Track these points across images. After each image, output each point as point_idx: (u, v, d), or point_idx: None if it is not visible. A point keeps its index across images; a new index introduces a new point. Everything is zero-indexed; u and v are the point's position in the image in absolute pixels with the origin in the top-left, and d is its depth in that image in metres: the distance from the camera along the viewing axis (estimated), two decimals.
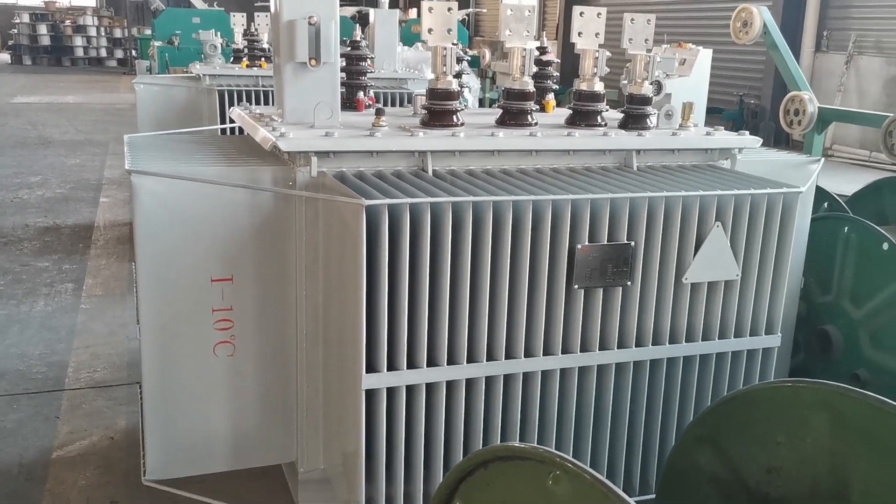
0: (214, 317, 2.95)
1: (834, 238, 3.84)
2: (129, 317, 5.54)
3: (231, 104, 6.48)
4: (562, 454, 1.56)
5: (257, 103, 6.41)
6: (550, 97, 3.99)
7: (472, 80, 11.06)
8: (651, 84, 3.40)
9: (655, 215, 2.82)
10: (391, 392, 2.65)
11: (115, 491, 3.55)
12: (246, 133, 3.45)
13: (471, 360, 2.73)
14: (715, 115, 14.85)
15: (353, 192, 2.57)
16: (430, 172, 2.96)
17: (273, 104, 6.21)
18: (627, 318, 2.88)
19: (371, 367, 2.62)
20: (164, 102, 7.06)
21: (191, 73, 7.03)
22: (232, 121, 3.85)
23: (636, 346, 2.91)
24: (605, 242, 2.77)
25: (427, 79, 8.41)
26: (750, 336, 3.06)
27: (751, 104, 15.75)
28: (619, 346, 2.89)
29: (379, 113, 3.09)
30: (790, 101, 7.81)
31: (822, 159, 3.67)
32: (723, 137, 3.31)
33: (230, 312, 2.96)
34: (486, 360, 2.74)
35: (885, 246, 3.63)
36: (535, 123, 3.25)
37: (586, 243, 2.74)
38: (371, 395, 2.63)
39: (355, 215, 2.53)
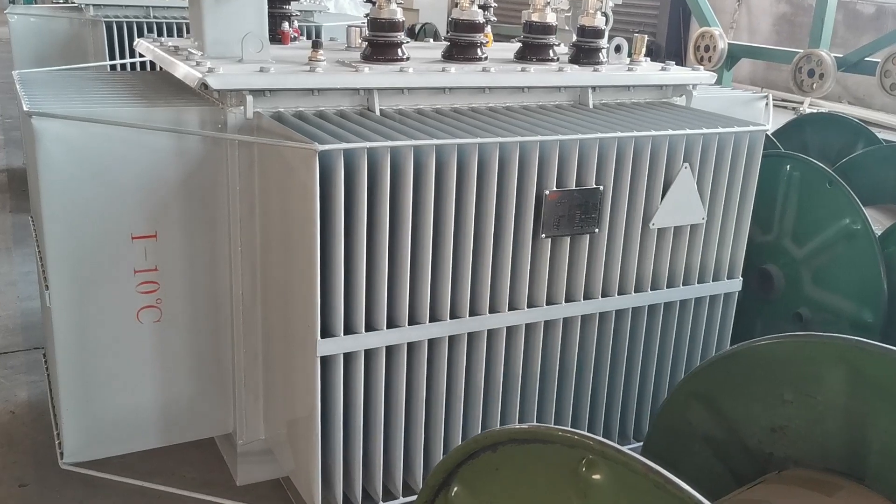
0: (137, 279, 2.61)
1: (776, 176, 3.78)
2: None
3: (119, 38, 5.89)
4: (599, 438, 1.36)
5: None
6: (488, 29, 3.71)
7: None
8: (602, 14, 3.19)
9: (624, 157, 2.64)
10: (348, 357, 2.41)
11: (22, 472, 3.17)
12: (159, 69, 3.04)
13: (434, 318, 2.50)
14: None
15: (301, 135, 2.26)
16: (378, 112, 2.67)
17: (179, 36, 5.71)
18: (594, 268, 2.72)
19: (326, 332, 2.36)
20: (43, 36, 6.37)
21: (72, 1, 6.35)
22: (138, 55, 3.41)
23: (602, 297, 2.75)
24: (574, 187, 2.57)
25: (332, 12, 7.95)
26: (713, 281, 2.95)
27: (648, 41, 15.83)
28: (586, 298, 2.72)
29: (316, 45, 2.76)
30: (701, 37, 7.80)
31: (770, 95, 3.58)
32: (680, 73, 3.15)
33: (155, 273, 2.62)
34: (450, 319, 2.52)
35: (830, 184, 3.59)
36: (486, 58, 2.99)
37: (554, 189, 2.54)
38: (326, 361, 2.38)
39: (306, 162, 2.23)
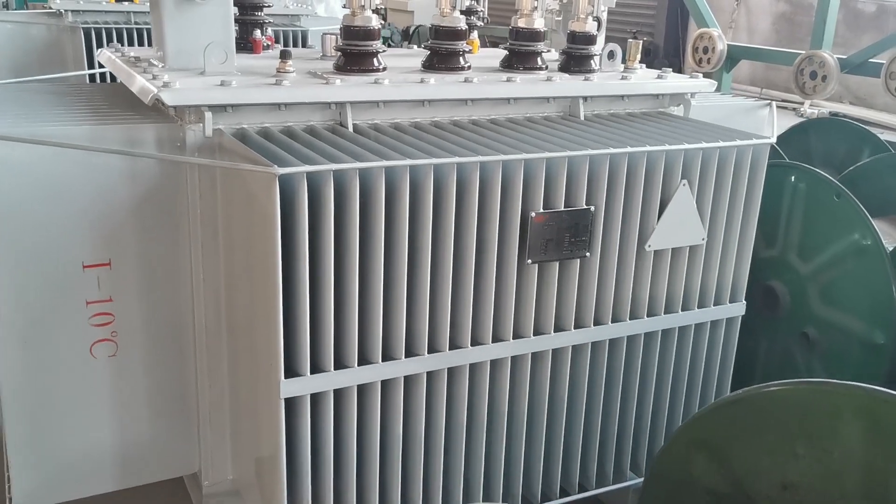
0: (90, 310, 2.40)
1: (780, 188, 3.57)
2: None
3: (100, 45, 5.68)
4: None
5: (131, 44, 5.64)
6: (475, 35, 3.51)
7: None
8: (594, 19, 2.98)
9: (617, 175, 2.43)
10: (316, 398, 2.20)
11: None
12: (120, 81, 2.84)
13: (410, 353, 2.30)
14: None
15: (260, 156, 2.06)
16: (351, 128, 2.47)
17: (151, 45, 5.50)
18: (585, 295, 2.51)
19: (291, 371, 2.16)
20: (20, 43, 6.14)
21: (51, 7, 6.14)
22: (101, 66, 3.21)
23: (595, 325, 2.54)
24: (563, 208, 2.37)
25: (322, 16, 7.74)
26: (714, 306, 2.75)
27: (644, 41, 15.64)
28: (577, 327, 2.52)
29: (285, 56, 2.55)
30: (699, 38, 7.60)
31: (773, 103, 3.37)
32: (677, 81, 2.94)
33: (109, 304, 2.42)
34: (428, 353, 2.31)
35: (837, 196, 3.39)
36: (469, 66, 2.78)
37: (541, 210, 2.33)
38: (292, 403, 2.17)
39: (266, 186, 2.03)
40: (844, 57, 6.52)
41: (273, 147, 2.19)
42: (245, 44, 3.12)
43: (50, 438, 2.45)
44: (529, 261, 2.36)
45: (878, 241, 3.25)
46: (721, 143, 2.55)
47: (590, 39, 2.94)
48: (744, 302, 2.82)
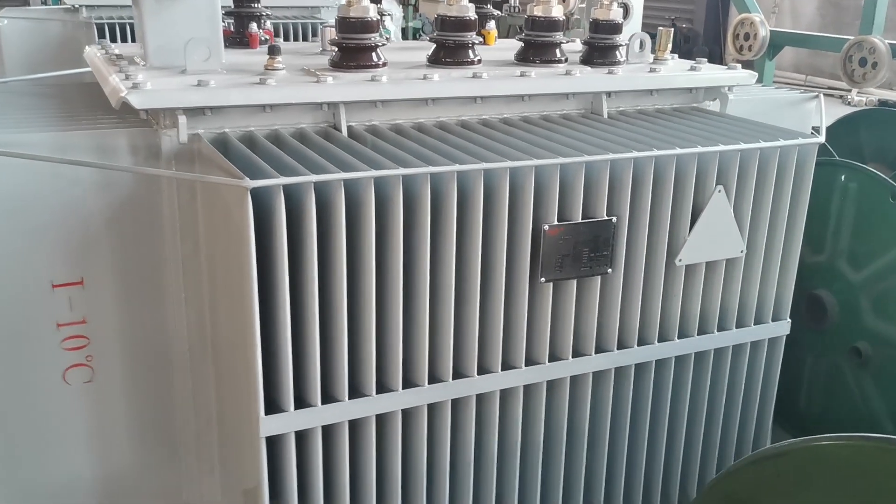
0: (61, 333, 2.19)
1: (828, 188, 3.25)
2: None
3: (112, 41, 5.50)
4: None
5: None
6: (491, 25, 3.24)
7: (392, 6, 10.12)
8: (619, 6, 2.70)
9: (643, 181, 2.16)
10: (302, 436, 1.97)
11: None
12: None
13: (408, 384, 2.05)
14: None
15: (235, 166, 1.82)
16: (345, 131, 2.22)
17: None
18: (607, 316, 2.24)
19: (273, 405, 1.92)
20: (36, 40, 6.01)
21: (66, 3, 5.98)
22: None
23: (618, 349, 2.27)
24: (580, 220, 2.10)
25: None
26: (755, 325, 2.46)
27: (683, 28, 15.18)
28: (598, 351, 2.25)
29: (273, 52, 2.32)
30: (740, 24, 7.21)
31: (821, 95, 3.05)
32: (712, 73, 2.64)
33: (83, 326, 2.21)
34: (429, 384, 2.06)
35: (893, 198, 3.06)
36: (479, 60, 2.52)
37: (555, 223, 2.07)
38: (274, 442, 1.94)
39: (238, 201, 1.79)
40: None
41: (253, 155, 1.96)
42: (241, 38, 2.90)
43: (23, 472, 2.26)
44: (543, 279, 2.10)
45: None
46: (762, 144, 2.25)
47: (614, 28, 2.66)
48: (788, 320, 2.52)
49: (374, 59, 2.37)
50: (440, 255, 2.01)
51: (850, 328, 3.24)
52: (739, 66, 2.77)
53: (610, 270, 2.16)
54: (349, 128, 2.25)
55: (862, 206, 3.17)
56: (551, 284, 2.12)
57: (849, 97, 12.30)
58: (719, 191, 2.24)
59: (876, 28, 6.38)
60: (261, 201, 1.80)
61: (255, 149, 2.08)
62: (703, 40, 14.67)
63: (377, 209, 1.90)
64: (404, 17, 12.24)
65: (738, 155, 2.24)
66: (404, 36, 11.59)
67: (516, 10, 9.95)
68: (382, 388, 2.03)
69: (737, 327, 2.43)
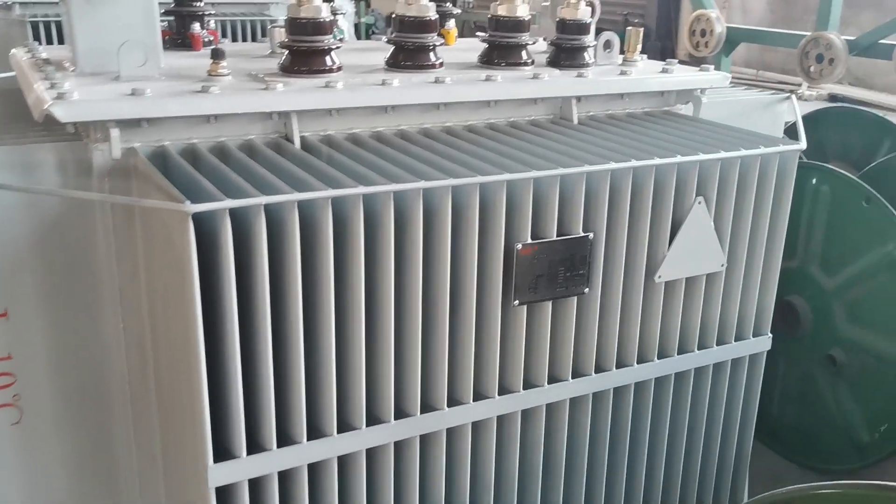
0: None
1: (800, 191, 3.14)
2: None
3: (49, 40, 5.19)
4: None
5: None
6: (451, 24, 3.07)
7: (344, 2, 9.87)
8: (587, 5, 2.55)
9: (620, 193, 2.01)
10: (256, 484, 1.78)
11: None
12: None
13: (373, 420, 1.88)
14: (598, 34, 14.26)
15: (174, 187, 1.63)
16: (297, 143, 2.04)
17: None
18: (584, 339, 2.09)
19: (223, 451, 1.74)
20: None
21: None
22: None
23: (596, 373, 2.13)
24: (555, 237, 1.94)
25: None
26: (736, 341, 2.33)
27: (635, 23, 15.19)
28: (575, 376, 2.10)
29: (217, 56, 2.12)
30: (696, 20, 7.14)
31: (792, 97, 2.95)
32: (685, 76, 2.51)
33: (8, 363, 1.99)
34: (395, 419, 1.89)
35: (867, 201, 2.98)
36: (441, 63, 2.35)
37: (529, 241, 1.91)
38: (225, 492, 1.75)
39: (179, 226, 1.60)
40: (853, 38, 6.09)
41: (195, 172, 1.76)
42: (182, 40, 2.68)
43: None
44: (516, 302, 1.94)
45: None
46: (743, 152, 2.13)
47: (583, 28, 2.51)
48: (769, 335, 2.41)
49: (329, 63, 2.19)
50: (404, 279, 1.84)
51: (824, 335, 3.15)
52: (712, 66, 2.65)
53: (587, 290, 2.02)
54: (302, 139, 2.07)
55: (834, 209, 3.08)
56: (525, 307, 1.96)
57: (799, 91, 12.42)
58: (699, 202, 2.10)
59: (832, 24, 6.36)
60: (205, 225, 1.61)
61: (199, 164, 1.89)
62: (656, 36, 14.68)
63: (335, 230, 1.72)
64: (356, 13, 12.00)
65: (718, 164, 2.11)
66: (356, 33, 11.36)
67: (470, 5, 9.79)
68: (344, 426, 1.85)
69: (717, 345, 2.30)
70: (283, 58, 2.20)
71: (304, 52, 2.15)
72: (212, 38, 2.76)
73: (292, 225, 1.66)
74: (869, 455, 3.04)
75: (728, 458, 2.49)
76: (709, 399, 2.36)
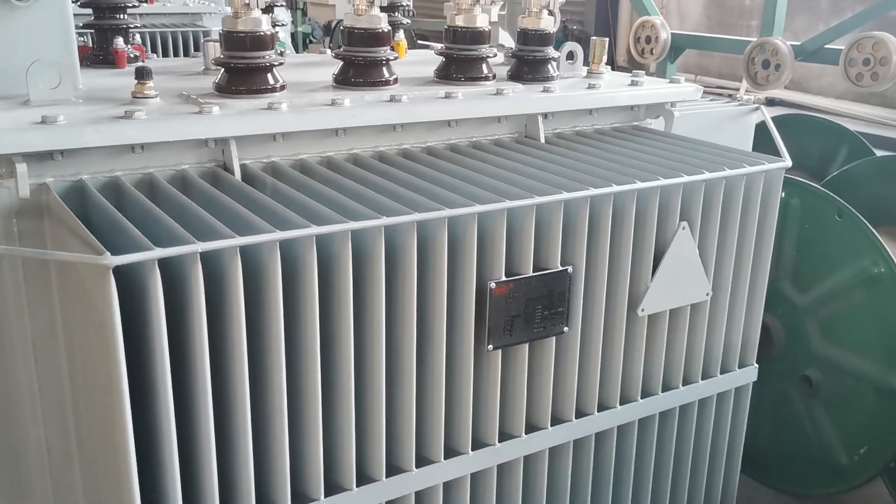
0: None
1: None
2: None
3: None
4: None
5: None
6: (401, 35, 2.86)
7: (281, 12, 9.57)
8: (549, 14, 2.37)
9: (600, 222, 1.83)
10: None
11: None
12: None
13: (332, 489, 1.65)
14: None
15: (88, 234, 1.38)
16: (237, 173, 1.80)
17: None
18: (564, 382, 1.90)
19: None
20: None
21: None
22: None
23: (577, 418, 1.93)
24: (532, 273, 1.75)
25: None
26: (721, 374, 2.17)
27: (574, 30, 15.23)
28: (554, 423, 1.91)
29: (142, 76, 1.87)
30: (641, 27, 7.07)
31: (762, 108, 2.81)
32: (656, 89, 2.35)
33: None
34: (358, 486, 1.67)
35: (839, 215, 2.86)
36: (395, 80, 2.14)
37: (503, 278, 1.71)
38: None
39: (97, 281, 1.35)
40: (798, 44, 6.07)
41: (117, 214, 1.51)
42: (105, 56, 2.42)
43: None
44: (490, 346, 1.73)
45: (893, 267, 2.74)
46: (728, 172, 1.96)
47: (546, 39, 2.33)
48: (755, 365, 2.25)
49: (271, 81, 1.96)
50: (365, 326, 1.62)
51: (798, 355, 3.03)
52: (643, 73, 2.49)
53: (566, 329, 1.82)
54: (243, 167, 1.83)
55: (805, 224, 2.96)
56: (500, 352, 1.76)
57: (738, 95, 12.56)
58: (683, 227, 1.93)
59: (777, 29, 6.33)
60: (129, 277, 1.37)
61: (122, 202, 1.64)
62: None
63: (284, 274, 1.49)
64: (293, 23, 11.68)
65: (702, 185, 1.94)
66: (294, 43, 11.06)
67: (411, 13, 9.61)
68: (299, 497, 1.62)
69: (702, 378, 2.13)
70: (219, 76, 1.96)
71: (243, 70, 1.92)
72: (138, 54, 2.50)
73: (234, 273, 1.43)
74: (849, 479, 2.92)
75: (714, 496, 2.32)
76: (694, 436, 2.19)
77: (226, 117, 1.76)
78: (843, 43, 5.68)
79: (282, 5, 6.50)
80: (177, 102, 1.87)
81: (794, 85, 12.74)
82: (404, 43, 2.84)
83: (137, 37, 2.59)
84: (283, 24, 2.76)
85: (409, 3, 4.03)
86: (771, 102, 12.12)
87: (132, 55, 2.46)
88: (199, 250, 1.36)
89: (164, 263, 1.37)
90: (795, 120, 4.43)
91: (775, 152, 2.81)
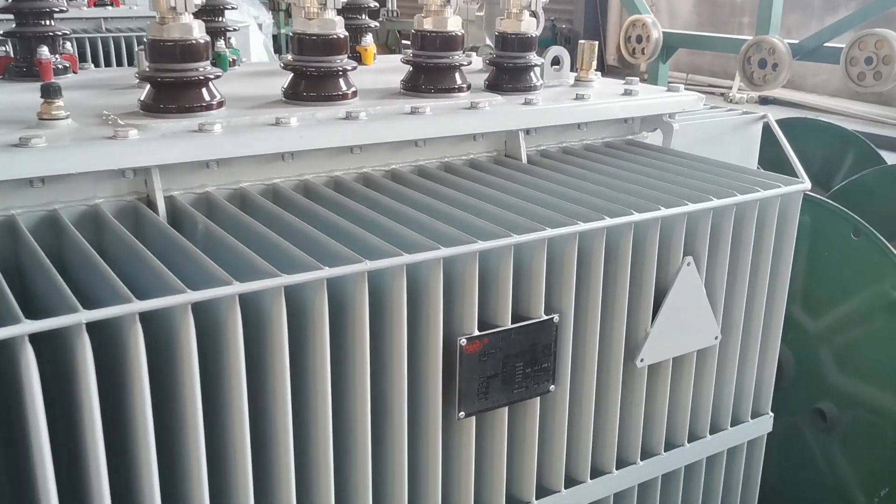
0: None
1: None
2: None
3: None
4: None
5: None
6: (369, 40, 2.58)
7: (261, 12, 9.24)
8: (531, 16, 2.09)
9: (591, 260, 1.55)
10: None
11: None
12: None
13: None
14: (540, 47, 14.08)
15: None
16: (162, 211, 1.52)
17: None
18: (552, 448, 1.62)
19: None
20: None
21: None
22: None
23: (567, 488, 1.66)
24: (510, 325, 1.47)
25: None
26: (732, 427, 1.90)
27: (563, 29, 14.98)
28: (540, 496, 1.63)
29: (50, 94, 1.58)
30: (631, 26, 6.81)
31: (768, 115, 2.54)
32: (652, 98, 2.07)
33: None
34: None
35: (856, 234, 2.59)
36: (354, 93, 1.85)
37: (475, 333, 1.43)
38: None
39: None
40: (796, 42, 5.82)
41: None
42: (29, 67, 2.13)
43: None
44: (461, 413, 1.45)
45: None
46: (739, 198, 1.68)
47: (528, 44, 2.05)
48: (770, 413, 1.98)
49: (206, 97, 1.67)
50: (308, 396, 1.34)
51: (810, 386, 2.76)
52: (638, 72, 2.22)
53: (553, 388, 1.55)
54: (170, 200, 1.55)
55: (819, 243, 2.69)
56: (473, 419, 1.48)
57: (730, 94, 12.29)
58: (688, 264, 1.66)
59: (773, 28, 6.08)
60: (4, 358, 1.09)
61: (18, 246, 1.36)
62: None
63: (203, 332, 1.21)
64: (275, 24, 11.36)
65: (710, 214, 1.66)
66: (276, 45, 10.74)
67: (395, 14, 9.31)
68: None
69: (711, 433, 1.86)
70: (144, 92, 1.68)
71: (171, 85, 1.63)
72: (68, 65, 2.21)
73: (131, 339, 1.14)
74: None
75: None
76: (702, 498, 1.91)
77: (144, 142, 1.48)
78: (843, 41, 5.44)
79: (255, 2, 6.20)
80: (93, 124, 1.59)
81: (788, 83, 12.50)
82: (372, 49, 2.56)
83: (67, 45, 2.30)
84: (235, 29, 2.47)
85: (392, 5, 3.74)
86: (764, 101, 11.87)
87: (60, 66, 2.17)
88: (84, 320, 1.08)
89: (43, 337, 1.09)
90: (795, 124, 4.17)
91: (779, 164, 2.56)
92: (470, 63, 2.00)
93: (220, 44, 2.34)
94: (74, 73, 2.26)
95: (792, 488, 2.88)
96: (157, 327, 1.20)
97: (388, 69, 2.36)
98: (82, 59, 3.54)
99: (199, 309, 1.19)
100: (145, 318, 1.14)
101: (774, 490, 2.91)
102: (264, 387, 1.30)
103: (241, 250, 1.32)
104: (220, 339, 1.23)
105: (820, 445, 2.76)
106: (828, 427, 2.72)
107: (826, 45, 5.71)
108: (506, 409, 1.51)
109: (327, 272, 1.25)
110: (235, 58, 2.43)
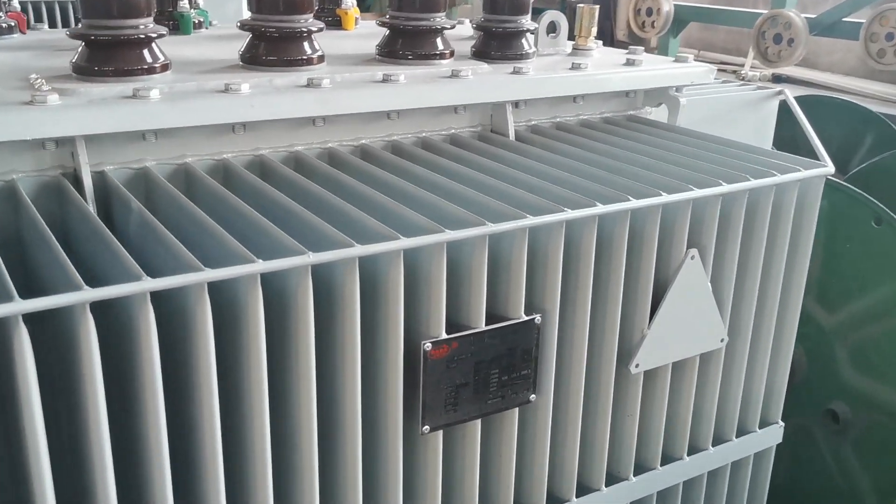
0: None
1: None
2: None
3: None
4: None
5: None
6: (350, 2, 2.36)
7: None
8: None
9: (580, 252, 1.35)
10: None
11: None
12: None
13: None
14: (535, 14, 13.70)
15: None
16: (88, 186, 1.33)
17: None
18: (532, 463, 1.43)
19: None
20: None
21: None
22: None
23: None
24: (484, 327, 1.27)
25: None
26: (737, 437, 1.70)
27: (571, 2, 14.63)
28: None
29: None
30: None
31: (785, 91, 2.32)
32: (656, 69, 1.86)
33: None
34: None
35: (877, 222, 2.38)
36: (321, 58, 1.65)
37: (442, 336, 1.23)
38: None
39: None
40: (814, 17, 5.56)
41: None
42: None
43: None
44: (426, 428, 1.26)
45: None
46: (752, 183, 1.48)
47: (519, 6, 1.83)
48: (780, 423, 1.78)
49: (147, 58, 1.47)
50: (243, 407, 1.15)
51: (821, 385, 2.57)
52: (642, 49, 2.01)
53: (534, 397, 1.35)
54: (100, 176, 1.36)
55: (836, 231, 2.49)
56: (440, 434, 1.29)
57: (742, 72, 12.00)
58: (692, 257, 1.45)
59: (789, 1, 5.82)
60: None
61: None
62: None
63: (113, 337, 1.03)
64: None
65: (718, 201, 1.46)
66: None
67: None
68: None
69: (713, 445, 1.67)
70: (77, 53, 1.47)
71: (106, 44, 1.43)
72: (13, 23, 2.01)
73: (83, 330, 0.96)
74: None
75: None
76: None
77: (65, 109, 1.28)
78: (863, 15, 5.19)
79: None
80: (17, 87, 1.39)
81: (802, 61, 12.18)
82: (354, 12, 2.35)
83: (15, 2, 2.09)
84: None
85: None
86: (778, 79, 11.57)
87: (4, 25, 1.97)
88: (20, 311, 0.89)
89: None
90: (811, 101, 3.94)
91: (793, 146, 2.34)
92: (454, 27, 1.79)
93: (184, 3, 2.13)
94: (22, 32, 2.06)
95: (800, 492, 2.70)
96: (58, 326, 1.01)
97: (369, 34, 2.14)
98: (38, 19, 3.32)
99: (158, 296, 1.00)
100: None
101: (784, 496, 2.73)
102: (234, 385, 1.11)
103: (166, 240, 1.13)
104: (188, 328, 1.04)
105: (831, 448, 2.58)
106: (840, 429, 2.53)
107: (845, 19, 5.45)
108: (478, 422, 1.32)
109: (261, 265, 1.06)
110: (203, 19, 2.22)
